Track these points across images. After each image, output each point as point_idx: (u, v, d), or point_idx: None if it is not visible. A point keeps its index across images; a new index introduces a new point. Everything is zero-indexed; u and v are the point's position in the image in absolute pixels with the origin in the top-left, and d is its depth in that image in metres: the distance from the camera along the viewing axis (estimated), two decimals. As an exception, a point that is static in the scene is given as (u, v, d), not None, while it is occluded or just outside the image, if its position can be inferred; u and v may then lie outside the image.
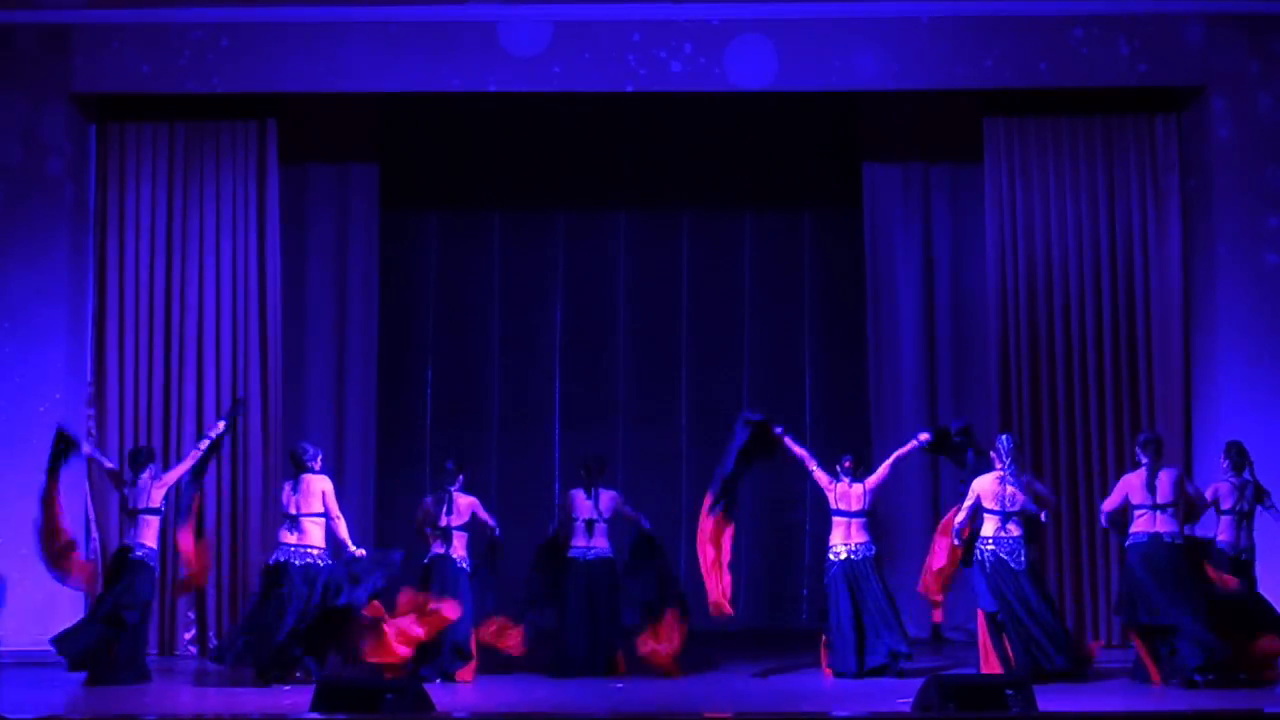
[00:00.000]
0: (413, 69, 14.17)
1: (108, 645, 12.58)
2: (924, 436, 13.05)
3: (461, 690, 12.24)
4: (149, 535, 12.71)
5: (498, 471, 15.62)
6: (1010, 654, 12.33)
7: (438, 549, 12.91)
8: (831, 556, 12.92)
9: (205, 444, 12.98)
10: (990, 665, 12.42)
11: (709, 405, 14.90)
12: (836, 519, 12.95)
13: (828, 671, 12.79)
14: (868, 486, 12.94)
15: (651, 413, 15.71)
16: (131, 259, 14.51)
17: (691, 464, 15.63)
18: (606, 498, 13.19)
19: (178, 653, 14.20)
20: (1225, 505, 12.61)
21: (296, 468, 12.84)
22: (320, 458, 12.87)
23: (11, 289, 14.12)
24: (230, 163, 14.60)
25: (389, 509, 15.38)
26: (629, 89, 14.32)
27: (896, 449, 13.15)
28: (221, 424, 13.16)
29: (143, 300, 14.50)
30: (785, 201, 15.93)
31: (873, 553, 12.89)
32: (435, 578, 12.82)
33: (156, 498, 12.76)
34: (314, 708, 10.61)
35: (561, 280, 15.96)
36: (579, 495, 13.20)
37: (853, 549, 12.86)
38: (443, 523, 12.92)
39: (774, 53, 14.19)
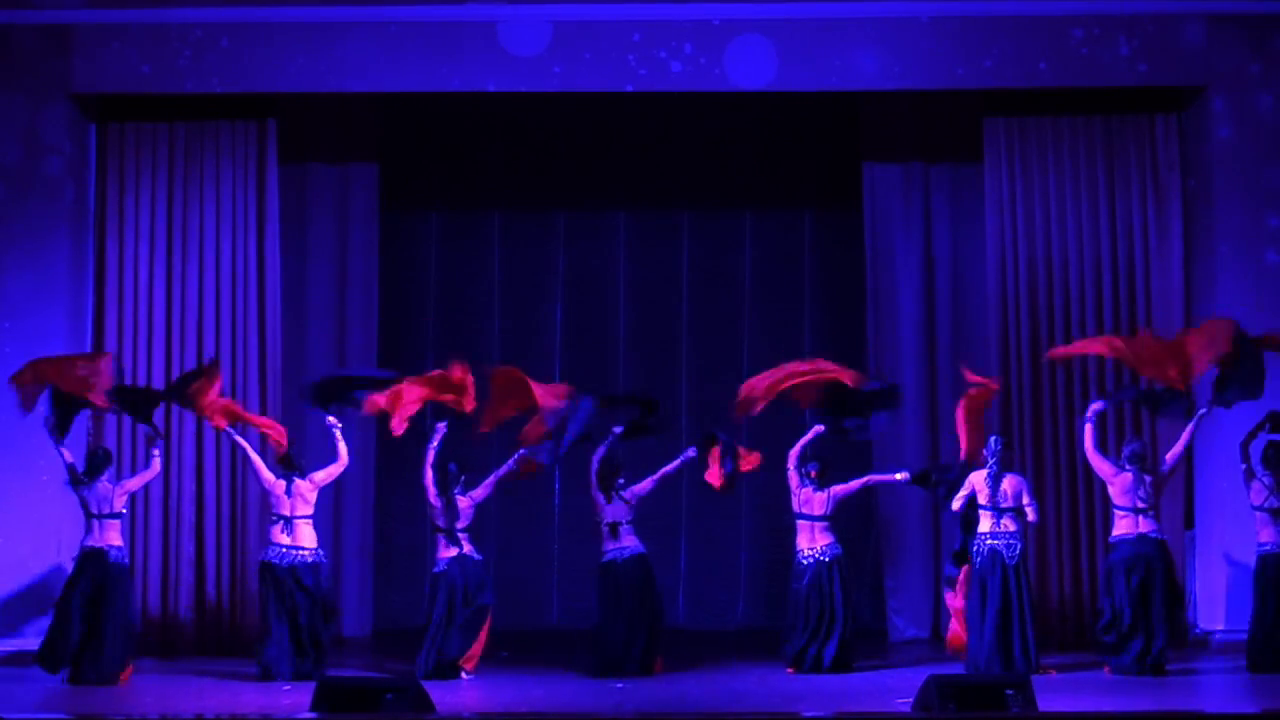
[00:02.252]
0: (413, 69, 14.17)
1: (96, 647, 12.56)
2: (902, 476, 13.34)
3: (462, 690, 12.23)
4: (116, 536, 12.77)
5: (498, 472, 15.59)
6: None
7: (449, 552, 12.93)
8: (803, 561, 13.09)
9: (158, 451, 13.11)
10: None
11: (709, 405, 14.87)
12: (800, 522, 13.16)
13: (790, 669, 12.98)
14: (833, 494, 13.13)
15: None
16: (131, 259, 14.50)
17: (691, 464, 15.61)
18: (628, 497, 13.19)
19: (178, 653, 14.18)
20: (1258, 502, 12.81)
21: (290, 468, 12.88)
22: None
23: (11, 289, 14.12)
24: (230, 163, 14.60)
25: (389, 510, 15.38)
26: (629, 89, 14.32)
27: (882, 469, 13.53)
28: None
29: (142, 300, 14.49)
30: (785, 201, 15.93)
31: (839, 552, 13.08)
32: (456, 579, 12.84)
33: (119, 503, 12.81)
34: (314, 707, 10.61)
35: (561, 280, 15.96)
36: (600, 500, 13.21)
37: (820, 551, 13.06)
38: (446, 526, 12.93)
39: (774, 53, 14.18)
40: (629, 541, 13.16)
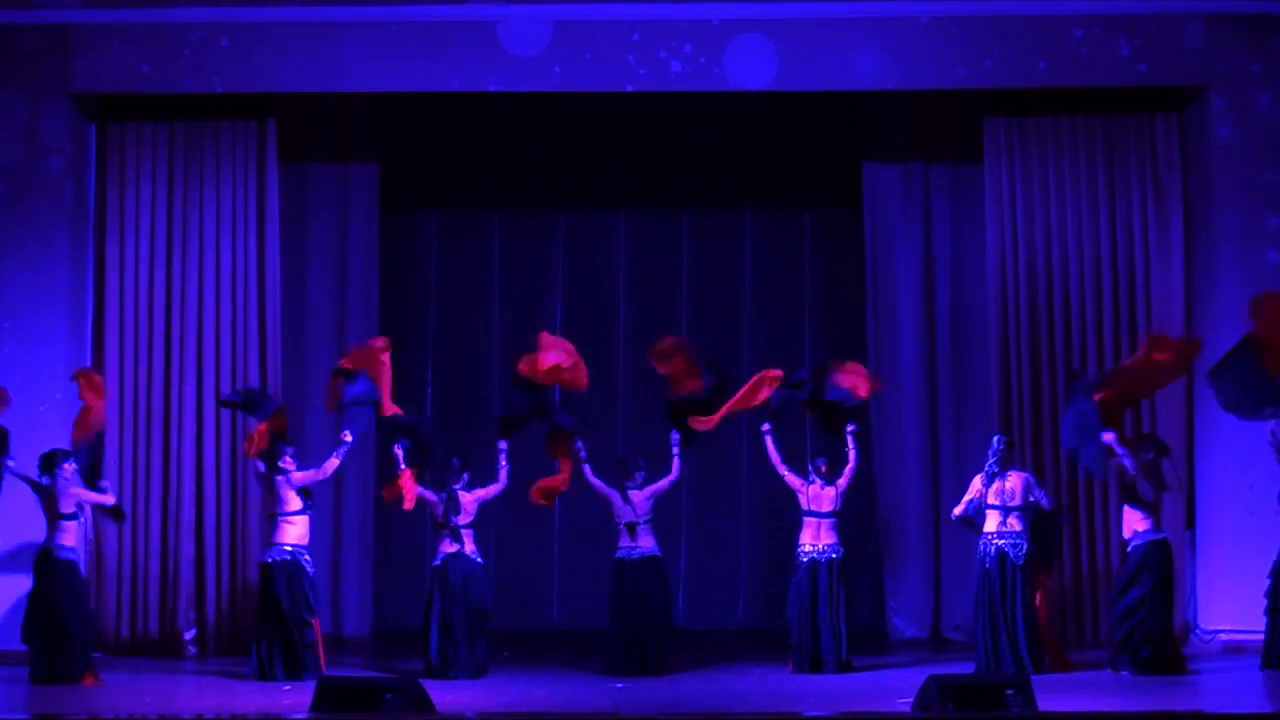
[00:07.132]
0: (413, 69, 14.18)
1: (58, 648, 12.58)
2: (851, 427, 13.27)
3: (461, 690, 12.23)
4: (69, 537, 12.74)
5: (497, 472, 15.59)
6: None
7: (449, 548, 12.93)
8: (802, 558, 13.11)
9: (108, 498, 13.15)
10: None
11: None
12: (808, 519, 13.16)
13: (791, 669, 12.99)
14: (839, 488, 13.12)
15: (651, 413, 15.67)
16: (131, 259, 14.50)
17: (691, 464, 15.60)
18: (642, 498, 13.18)
19: (178, 653, 14.18)
20: None
21: (273, 470, 12.91)
22: (294, 455, 13.03)
23: (11, 289, 14.13)
24: (230, 163, 14.60)
25: (389, 509, 15.35)
26: (629, 89, 14.33)
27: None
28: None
29: (143, 300, 14.49)
30: (785, 201, 15.93)
31: (840, 554, 13.06)
32: (451, 576, 12.85)
33: (69, 504, 12.76)
34: (314, 707, 10.61)
35: (561, 280, 15.96)
36: (616, 499, 13.19)
37: (820, 550, 13.05)
38: (451, 522, 12.94)
39: (774, 53, 14.19)
40: (645, 542, 13.17)
